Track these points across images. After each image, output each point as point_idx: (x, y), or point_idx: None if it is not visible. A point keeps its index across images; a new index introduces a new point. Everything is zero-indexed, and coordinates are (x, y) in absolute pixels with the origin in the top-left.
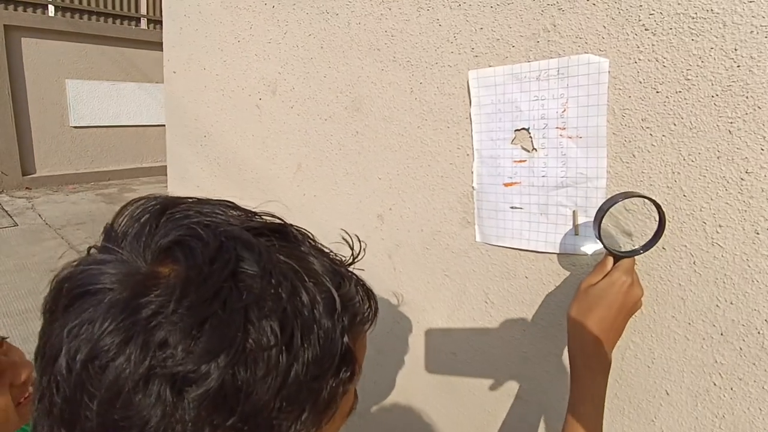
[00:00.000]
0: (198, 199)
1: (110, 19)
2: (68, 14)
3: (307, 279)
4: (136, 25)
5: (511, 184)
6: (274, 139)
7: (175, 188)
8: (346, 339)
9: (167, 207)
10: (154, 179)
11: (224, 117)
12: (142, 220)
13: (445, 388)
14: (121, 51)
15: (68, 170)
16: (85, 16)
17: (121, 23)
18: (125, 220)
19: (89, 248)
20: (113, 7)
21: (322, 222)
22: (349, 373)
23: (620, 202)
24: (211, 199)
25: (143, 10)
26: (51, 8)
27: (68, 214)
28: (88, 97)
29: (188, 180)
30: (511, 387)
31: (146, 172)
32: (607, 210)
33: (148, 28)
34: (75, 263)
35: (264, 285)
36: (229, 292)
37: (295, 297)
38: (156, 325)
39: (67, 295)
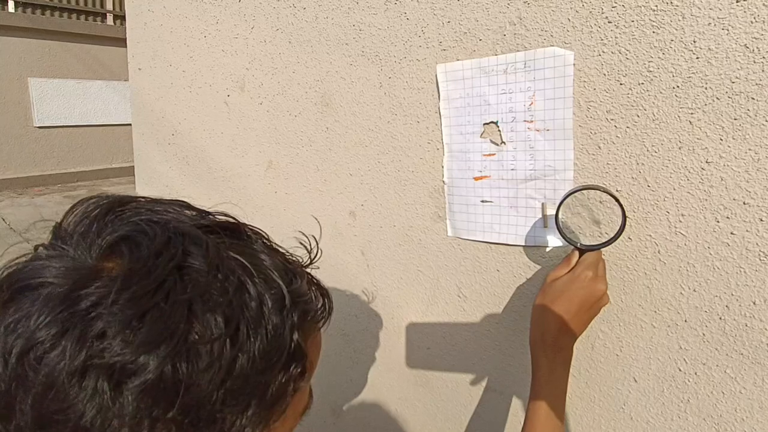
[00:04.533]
0: (152, 198)
1: (74, 15)
2: (29, 10)
3: (255, 275)
4: (102, 22)
5: (480, 177)
6: (243, 136)
7: (143, 188)
8: (296, 336)
9: (117, 205)
10: (125, 180)
11: (192, 114)
12: (90, 218)
13: (419, 383)
14: (86, 48)
15: (33, 172)
16: (48, 12)
17: (86, 19)
18: (74, 218)
19: (36, 246)
20: (77, 3)
21: (294, 220)
22: (299, 370)
23: (579, 193)
24: (165, 199)
25: (109, 6)
26: (11, 4)
27: (34, 218)
28: (53, 96)
29: (156, 180)
30: (486, 380)
31: (116, 173)
32: (562, 203)
33: (115, 24)
34: (20, 260)
35: (210, 279)
36: (173, 284)
37: (242, 291)
38: (95, 316)
39: (7, 291)
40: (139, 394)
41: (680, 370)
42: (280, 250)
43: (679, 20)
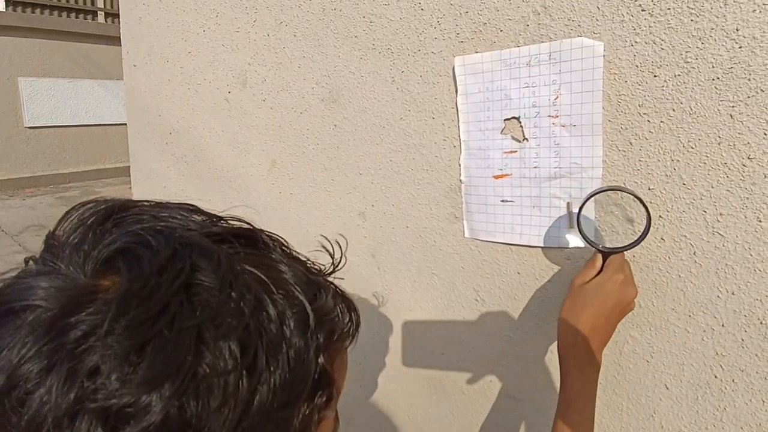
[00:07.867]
0: (156, 202)
1: (65, 13)
2: (20, 8)
3: (275, 290)
4: (93, 19)
5: (501, 176)
6: (245, 134)
7: (140, 189)
8: (321, 359)
9: (116, 210)
10: (118, 181)
11: (191, 112)
12: (86, 226)
13: (434, 389)
14: (77, 47)
15: (24, 173)
16: (38, 10)
17: (77, 17)
18: (68, 226)
19: (27, 259)
20: (68, 1)
21: (299, 221)
22: (325, 398)
23: (601, 194)
24: (171, 203)
25: (100, 3)
26: (2, 2)
27: (26, 220)
28: (44, 96)
29: (153, 180)
30: (504, 386)
31: (110, 174)
32: (584, 204)
33: (106, 21)
34: (7, 276)
35: (222, 299)
36: (178, 307)
37: (259, 312)
38: (86, 349)
39: None
40: None
41: (716, 377)
42: (301, 258)
43: (720, 7)
